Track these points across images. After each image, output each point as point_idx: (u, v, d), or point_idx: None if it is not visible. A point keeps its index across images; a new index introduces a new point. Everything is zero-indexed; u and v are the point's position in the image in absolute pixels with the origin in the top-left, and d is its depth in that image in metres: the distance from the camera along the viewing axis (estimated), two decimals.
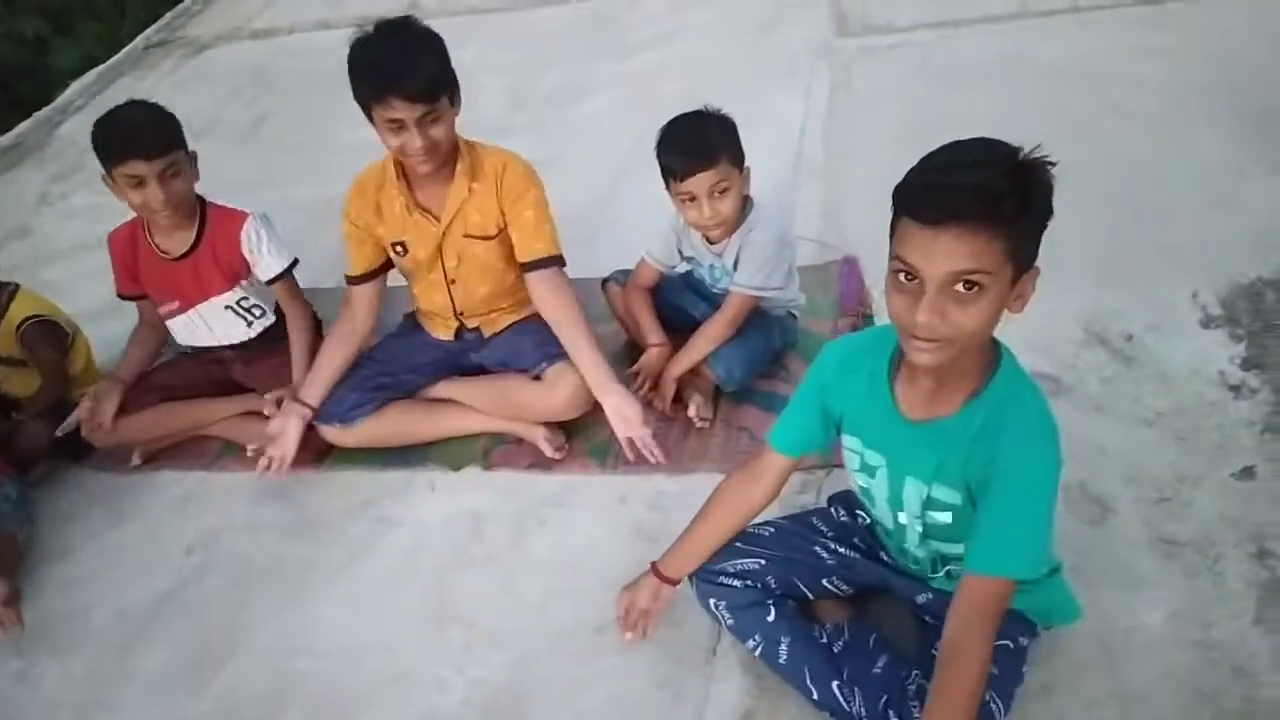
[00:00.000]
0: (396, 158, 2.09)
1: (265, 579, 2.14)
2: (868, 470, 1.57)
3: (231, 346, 2.47)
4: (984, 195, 1.19)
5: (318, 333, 2.49)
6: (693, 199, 2.08)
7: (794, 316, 2.37)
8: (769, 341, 2.30)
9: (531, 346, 2.29)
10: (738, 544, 1.73)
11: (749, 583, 1.72)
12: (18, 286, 2.54)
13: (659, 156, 2.10)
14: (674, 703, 1.74)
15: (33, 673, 2.03)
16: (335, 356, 2.30)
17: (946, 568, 1.60)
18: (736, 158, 2.08)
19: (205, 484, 2.42)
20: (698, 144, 2.04)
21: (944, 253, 1.21)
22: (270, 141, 4.15)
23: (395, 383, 2.36)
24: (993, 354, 1.40)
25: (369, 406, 2.30)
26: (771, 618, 1.69)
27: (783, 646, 1.67)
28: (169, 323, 2.45)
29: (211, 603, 2.11)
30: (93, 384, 2.54)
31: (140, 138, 2.12)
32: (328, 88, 4.24)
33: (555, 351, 2.22)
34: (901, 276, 1.28)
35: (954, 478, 1.43)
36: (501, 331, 2.38)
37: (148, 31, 5.68)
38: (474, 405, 2.35)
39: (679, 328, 2.38)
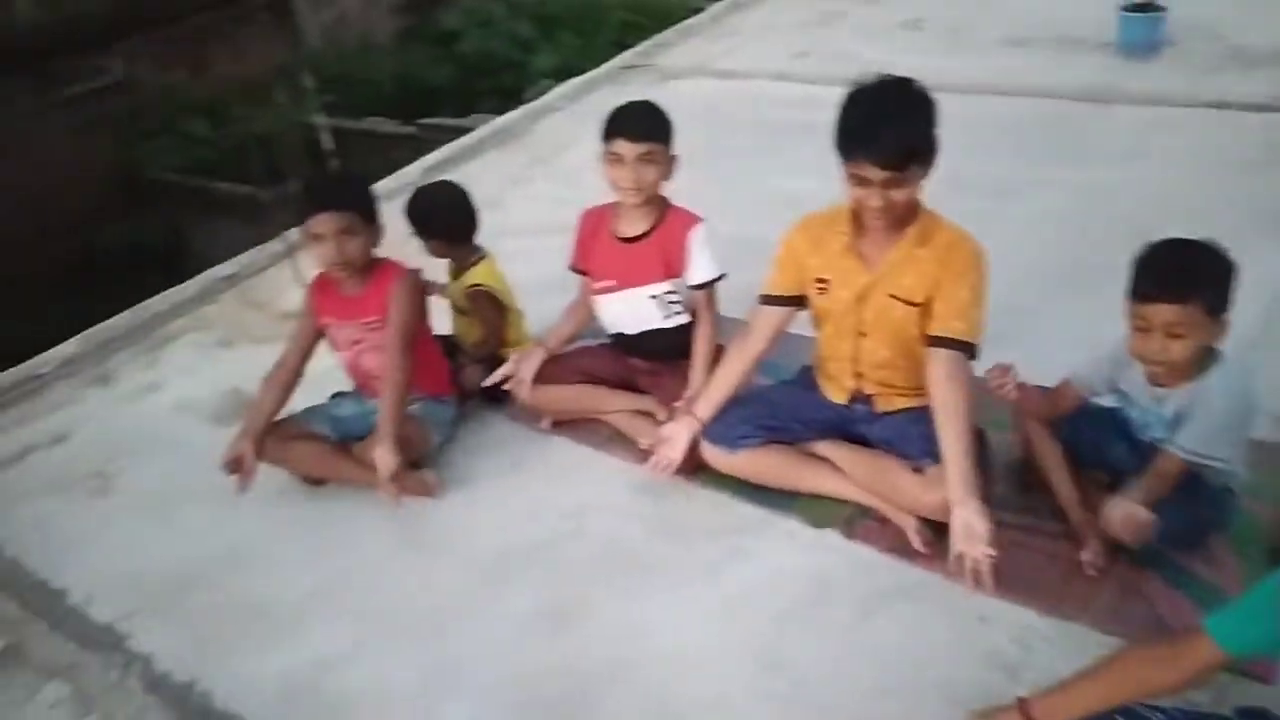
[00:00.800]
0: (853, 207, 2.16)
1: (622, 563, 2.32)
2: None
3: (642, 353, 2.72)
4: None
5: (719, 348, 2.63)
6: (1147, 329, 1.94)
7: (1231, 491, 2.11)
8: (1210, 513, 2.07)
9: (919, 436, 2.25)
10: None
11: None
12: (484, 255, 2.97)
13: (1134, 266, 1.95)
14: None
15: (413, 566, 2.38)
16: (731, 375, 2.42)
17: None
18: (1216, 302, 1.89)
19: (591, 461, 2.68)
20: (1174, 273, 1.89)
21: None
22: (704, 171, 4.46)
23: (782, 428, 2.43)
24: None
25: (754, 440, 2.40)
26: None
27: None
28: (599, 300, 2.73)
29: (574, 568, 2.33)
30: (522, 347, 2.90)
31: (633, 121, 2.48)
32: (769, 133, 4.62)
33: (939, 451, 2.15)
34: None
35: None
36: (893, 412, 2.36)
37: (625, 54, 6.37)
38: (850, 473, 2.37)
39: (1085, 464, 2.23)
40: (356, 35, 10.59)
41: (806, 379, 2.54)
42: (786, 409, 2.46)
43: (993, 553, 1.98)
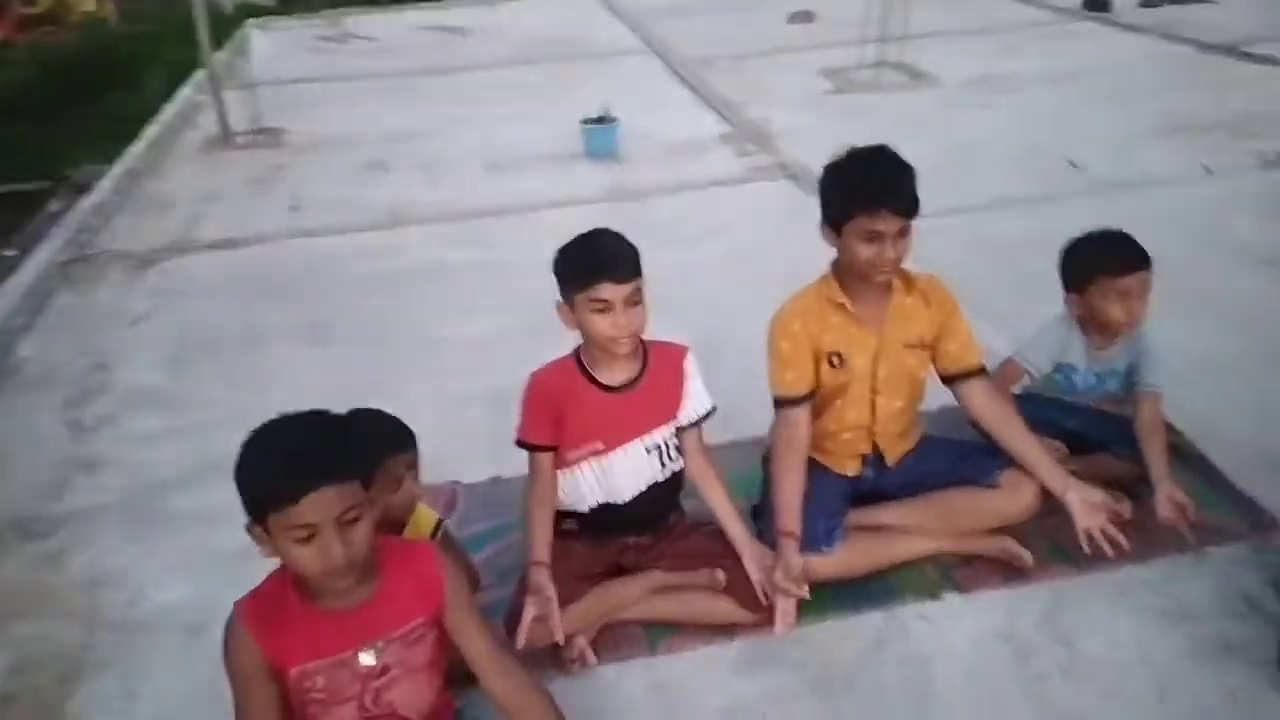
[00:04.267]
0: (859, 270, 2.14)
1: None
2: None
3: (629, 521, 2.22)
4: None
5: None
6: (1124, 296, 2.36)
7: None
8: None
9: (952, 460, 2.35)
10: None
11: None
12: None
13: (1088, 254, 2.40)
14: None
15: None
16: (796, 484, 2.20)
17: None
18: None
19: (670, 671, 2.09)
20: (1137, 246, 2.38)
21: None
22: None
23: (838, 513, 2.27)
24: None
25: (840, 530, 2.21)
26: None
27: None
28: (573, 474, 2.16)
29: None
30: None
31: (615, 258, 2.00)
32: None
33: (1003, 459, 2.29)
34: None
35: None
36: (901, 459, 2.40)
37: None
38: (918, 526, 2.32)
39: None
40: None
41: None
42: (820, 498, 2.28)
43: (1125, 512, 2.15)
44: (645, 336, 2.15)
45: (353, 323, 3.85)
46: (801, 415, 2.25)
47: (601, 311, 1.98)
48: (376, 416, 2.00)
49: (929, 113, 6.21)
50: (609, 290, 1.97)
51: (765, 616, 2.13)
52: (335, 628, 1.56)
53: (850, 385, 2.27)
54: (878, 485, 2.40)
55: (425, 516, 2.09)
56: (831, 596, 2.20)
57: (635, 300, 2.01)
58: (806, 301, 2.26)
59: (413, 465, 1.99)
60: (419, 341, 3.65)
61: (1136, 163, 5.09)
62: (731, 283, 4.00)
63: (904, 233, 2.10)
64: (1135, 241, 2.40)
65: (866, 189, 2.08)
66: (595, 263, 1.99)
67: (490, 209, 5.02)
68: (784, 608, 2.11)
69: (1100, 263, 2.39)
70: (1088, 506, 2.15)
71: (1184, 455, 2.64)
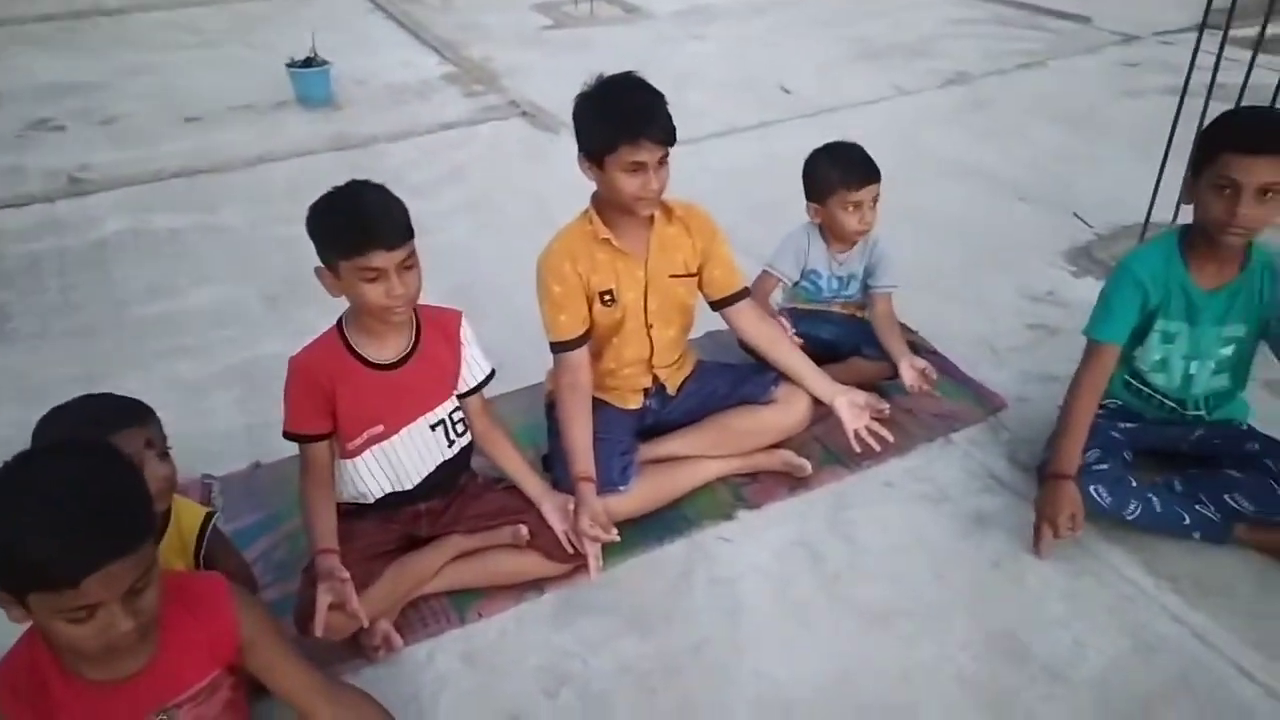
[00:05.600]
0: (624, 202, 2.10)
1: (647, 691, 1.90)
2: (1168, 340, 2.19)
3: (423, 491, 2.08)
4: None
5: None
6: (858, 206, 2.52)
7: None
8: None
9: (730, 383, 2.41)
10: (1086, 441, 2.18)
11: (1108, 464, 2.17)
12: None
13: (826, 169, 2.53)
14: None
15: None
16: (584, 428, 2.17)
17: (1207, 405, 2.27)
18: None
19: (484, 638, 1.99)
20: (869, 161, 2.53)
21: (1260, 170, 1.92)
22: None
23: (628, 449, 2.27)
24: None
25: (633, 467, 2.22)
26: (1135, 484, 2.17)
27: (1154, 500, 2.15)
28: (355, 462, 1.97)
29: None
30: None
31: (386, 225, 1.79)
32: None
33: (775, 375, 2.38)
34: (1224, 190, 1.96)
35: (1241, 315, 2.13)
36: (681, 387, 2.43)
37: None
38: (705, 450, 2.37)
39: (811, 354, 2.67)
40: None
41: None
42: (608, 437, 2.27)
43: (885, 409, 2.31)
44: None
45: (39, 311, 3.28)
46: (581, 358, 2.21)
47: (374, 280, 1.78)
48: (91, 399, 1.67)
49: (646, 45, 6.28)
50: (381, 258, 1.76)
51: (574, 565, 2.09)
52: (110, 703, 1.31)
53: (625, 321, 2.25)
54: (662, 416, 2.42)
55: (189, 512, 1.81)
56: (633, 533, 2.19)
57: (409, 264, 1.83)
58: (572, 241, 2.20)
59: (153, 443, 1.66)
60: (131, 323, 3.18)
61: (839, 85, 5.45)
62: (478, 229, 3.84)
63: (664, 161, 2.09)
64: (867, 156, 2.56)
65: (627, 119, 2.03)
66: (363, 227, 1.76)
67: (195, 167, 4.46)
68: (593, 552, 2.08)
69: (836, 176, 2.53)
70: (854, 409, 2.28)
71: (921, 352, 2.89)
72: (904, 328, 2.97)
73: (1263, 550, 2.14)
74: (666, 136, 2.06)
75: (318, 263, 1.82)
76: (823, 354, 2.69)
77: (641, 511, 2.23)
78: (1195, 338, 2.18)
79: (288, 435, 1.93)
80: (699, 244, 2.29)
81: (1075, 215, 3.78)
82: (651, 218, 2.22)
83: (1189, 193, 2.11)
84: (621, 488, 2.17)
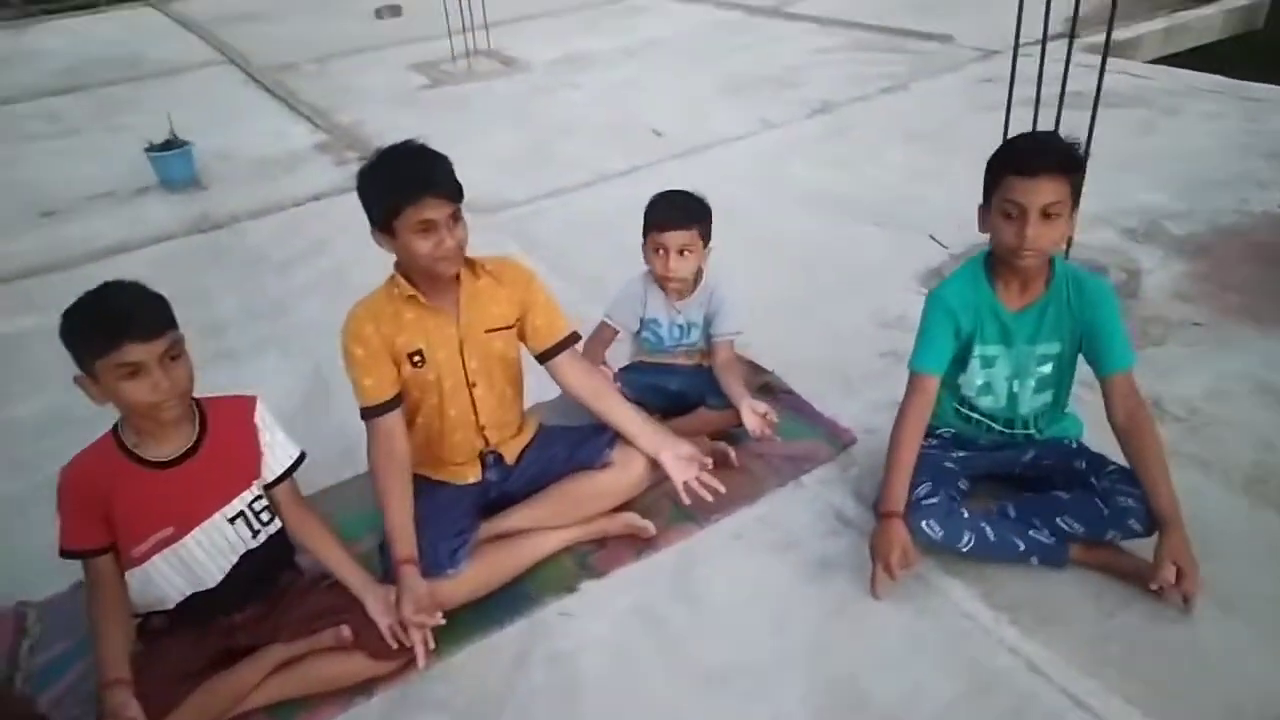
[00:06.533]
0: (423, 264, 2.07)
1: None
2: (988, 364, 2.21)
3: (235, 593, 1.98)
4: (1065, 157, 1.99)
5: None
6: (664, 252, 2.53)
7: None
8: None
9: (569, 447, 2.35)
10: (914, 475, 2.18)
11: (938, 497, 2.17)
12: None
13: (647, 213, 2.56)
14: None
15: None
16: (404, 500, 2.11)
17: (1037, 425, 2.29)
18: (705, 233, 2.58)
19: None
20: (685, 208, 2.55)
21: (1042, 192, 1.97)
22: None
23: (464, 529, 2.19)
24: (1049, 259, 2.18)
25: (465, 549, 2.14)
26: (967, 515, 2.17)
27: (987, 529, 2.16)
28: (144, 570, 1.88)
29: None
30: None
31: (138, 317, 1.73)
32: None
33: (610, 437, 2.33)
34: (1011, 215, 2.00)
35: (1054, 333, 2.16)
36: (520, 455, 2.38)
37: None
38: (543, 523, 2.30)
39: (659, 406, 2.67)
40: None
41: (423, 484, 2.27)
42: (442, 518, 2.19)
43: (709, 462, 2.26)
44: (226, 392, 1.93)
45: None
46: (392, 424, 2.15)
47: (133, 377, 1.72)
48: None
49: (521, 98, 6.30)
50: (136, 351, 1.71)
51: (402, 661, 2.01)
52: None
53: (442, 381, 2.20)
54: (506, 489, 2.36)
55: None
56: (469, 618, 2.13)
57: (174, 354, 1.77)
58: (375, 303, 2.16)
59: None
60: None
61: (708, 123, 5.51)
62: (335, 304, 3.74)
63: (456, 217, 2.06)
64: (686, 203, 2.56)
65: (408, 180, 2.01)
66: (113, 322, 1.71)
67: (46, 264, 4.31)
68: (419, 639, 1.98)
69: (649, 219, 2.56)
70: (680, 461, 2.24)
71: (774, 392, 2.89)
72: (758, 368, 2.99)
73: (1098, 570, 2.16)
74: (451, 192, 2.04)
75: (78, 372, 1.75)
76: (671, 405, 2.70)
77: (478, 595, 2.15)
78: (1013, 358, 2.21)
79: (64, 553, 1.84)
80: (514, 294, 2.26)
81: (931, 237, 3.84)
82: (457, 277, 2.17)
83: (983, 222, 2.15)
84: (450, 571, 2.10)
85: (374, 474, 2.14)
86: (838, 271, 3.65)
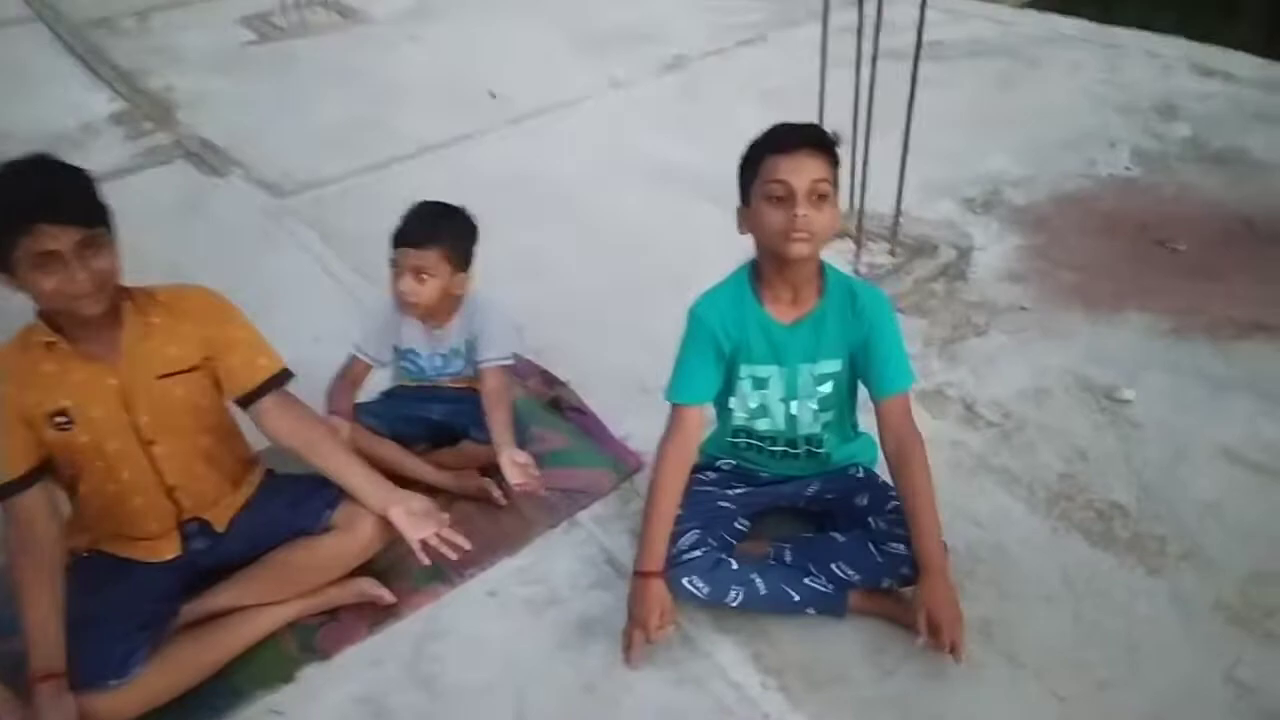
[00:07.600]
0: (53, 305, 1.70)
1: None
2: (760, 385, 1.94)
3: None
4: (823, 136, 1.73)
5: None
6: (397, 269, 2.19)
7: None
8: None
9: (289, 507, 2.01)
10: (675, 527, 1.91)
11: (702, 550, 1.91)
12: None
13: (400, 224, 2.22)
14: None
15: None
16: (46, 596, 1.75)
17: (822, 448, 2.03)
18: (456, 256, 2.22)
19: None
20: (423, 222, 2.20)
21: (807, 167, 1.72)
22: None
23: (150, 620, 1.84)
24: (820, 265, 1.90)
25: (143, 651, 1.78)
26: (735, 566, 1.92)
27: (757, 581, 1.91)
28: None
29: None
30: None
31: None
32: None
33: (332, 495, 1.99)
34: (777, 197, 1.72)
35: (832, 349, 1.90)
36: (234, 519, 2.01)
37: None
38: (260, 600, 1.97)
39: (421, 437, 2.37)
40: None
41: (99, 563, 1.92)
42: (118, 611, 1.83)
43: (445, 518, 1.95)
44: None
45: None
46: (30, 506, 1.78)
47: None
48: None
49: (353, 55, 5.76)
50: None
51: None
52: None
53: (102, 444, 1.81)
54: (220, 559, 2.00)
55: None
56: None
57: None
58: (4, 358, 1.77)
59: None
60: None
61: (554, 84, 5.09)
62: None
63: (92, 244, 1.66)
64: (428, 216, 2.22)
65: (19, 207, 1.62)
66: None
67: None
68: None
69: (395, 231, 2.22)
70: (412, 519, 1.92)
71: (565, 407, 2.59)
72: (552, 379, 2.69)
73: (882, 618, 1.93)
74: (78, 216, 1.65)
75: None
76: (433, 436, 2.38)
77: (159, 702, 1.80)
78: (788, 378, 1.94)
79: None
80: (198, 330, 1.88)
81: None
82: (118, 311, 1.80)
83: (744, 222, 1.86)
84: (114, 682, 1.74)
85: (10, 572, 1.77)
86: (664, 260, 3.32)
